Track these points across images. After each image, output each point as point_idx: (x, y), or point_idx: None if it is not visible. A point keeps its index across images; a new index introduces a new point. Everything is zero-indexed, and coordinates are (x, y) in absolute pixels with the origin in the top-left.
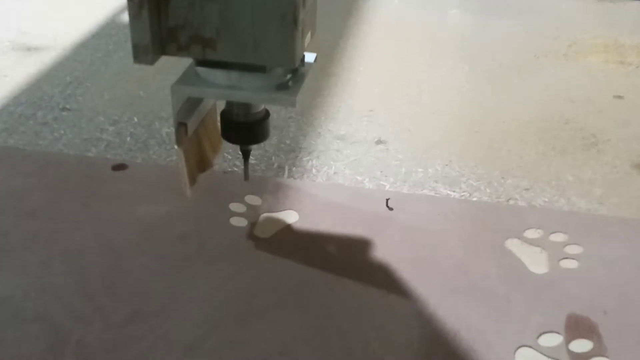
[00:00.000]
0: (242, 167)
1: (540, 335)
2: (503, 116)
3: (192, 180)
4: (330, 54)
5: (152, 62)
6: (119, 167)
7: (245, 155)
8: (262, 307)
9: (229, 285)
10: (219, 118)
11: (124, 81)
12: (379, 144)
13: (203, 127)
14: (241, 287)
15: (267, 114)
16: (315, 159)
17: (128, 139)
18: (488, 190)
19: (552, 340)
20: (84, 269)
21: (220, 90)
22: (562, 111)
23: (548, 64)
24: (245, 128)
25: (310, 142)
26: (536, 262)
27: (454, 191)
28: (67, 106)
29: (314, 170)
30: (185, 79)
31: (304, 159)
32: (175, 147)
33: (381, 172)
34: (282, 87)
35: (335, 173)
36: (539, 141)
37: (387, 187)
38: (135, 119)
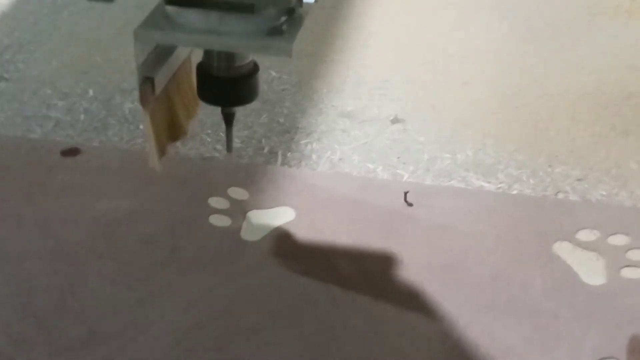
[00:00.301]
0: (225, 151)
1: None
2: (550, 88)
3: (162, 151)
4: (334, 10)
5: None
6: (71, 152)
7: (228, 120)
8: (250, 325)
9: (209, 299)
10: (194, 73)
11: (77, 44)
12: (395, 123)
13: (175, 84)
14: (224, 301)
15: (255, 67)
16: (316, 142)
17: (82, 116)
18: (532, 181)
19: None
20: (26, 279)
21: (196, 36)
22: (624, 82)
23: (607, 23)
24: (228, 85)
25: (309, 121)
26: (591, 270)
27: (488, 182)
28: (5, 75)
29: (314, 156)
30: (152, 21)
31: (302, 142)
32: (141, 108)
33: (398, 158)
34: (275, 31)
35: (340, 159)
36: (595, 120)
37: (405, 177)
38: (91, 92)
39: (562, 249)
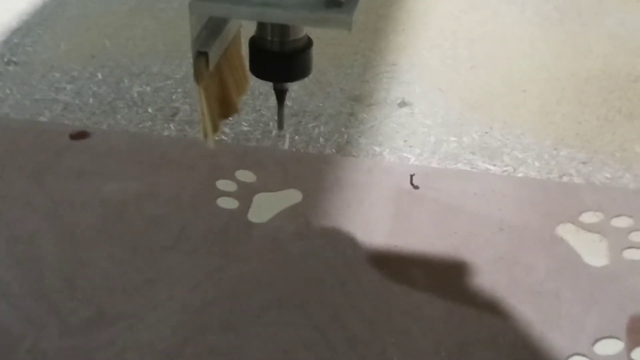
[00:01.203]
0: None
1: (597, 341)
2: (557, 72)
3: (215, 127)
4: None
5: None
6: (79, 135)
7: (281, 96)
8: (256, 307)
9: (216, 280)
10: (245, 48)
11: (86, 27)
12: (402, 106)
13: (226, 59)
14: (231, 282)
15: (309, 42)
16: (324, 125)
17: (90, 100)
18: (537, 164)
19: (611, 347)
20: (36, 260)
21: (252, 9)
22: (630, 66)
23: (615, 6)
24: (281, 60)
25: (316, 104)
26: (594, 252)
27: (494, 165)
28: (14, 59)
29: (321, 139)
30: None
31: (309, 125)
32: (195, 84)
33: (405, 141)
34: (333, 3)
35: (348, 142)
36: (601, 103)
37: (412, 160)
38: (100, 75)
39: (566, 231)
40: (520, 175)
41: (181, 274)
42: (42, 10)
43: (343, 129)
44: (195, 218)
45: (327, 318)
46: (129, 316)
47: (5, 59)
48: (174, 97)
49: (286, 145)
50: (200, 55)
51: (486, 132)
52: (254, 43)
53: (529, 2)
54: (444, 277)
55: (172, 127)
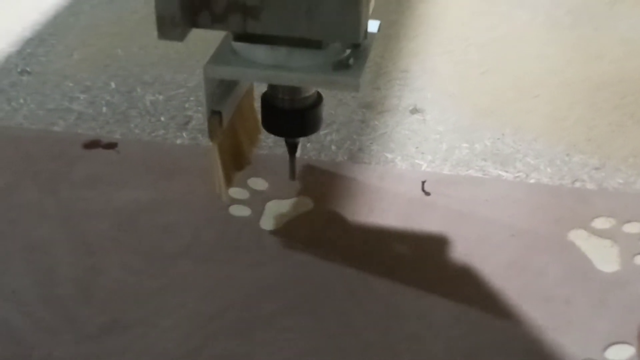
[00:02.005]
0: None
1: (608, 346)
2: (569, 77)
3: (229, 182)
4: None
5: (181, 37)
6: (93, 144)
7: (292, 149)
8: (268, 313)
9: (229, 287)
10: (257, 101)
11: (98, 37)
12: (414, 113)
13: (239, 114)
14: (243, 289)
15: (319, 98)
16: (335, 133)
17: (104, 109)
18: (549, 170)
19: (622, 352)
20: (50, 268)
21: (264, 72)
22: None
23: (627, 11)
24: (294, 116)
25: (328, 112)
26: (605, 258)
27: (506, 171)
28: (27, 69)
29: (333, 147)
30: (220, 57)
31: (321, 132)
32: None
33: (417, 148)
34: (341, 65)
35: (359, 150)
36: (613, 108)
37: (423, 167)
38: (113, 85)
39: (578, 237)
40: (532, 181)
41: (193, 281)
42: (54, 20)
43: (355, 136)
44: (208, 226)
45: (338, 325)
46: (142, 323)
47: (19, 69)
48: (186, 105)
49: (298, 153)
50: (215, 114)
51: (498, 139)
52: (266, 100)
53: (540, 7)
54: (456, 283)
55: (185, 136)
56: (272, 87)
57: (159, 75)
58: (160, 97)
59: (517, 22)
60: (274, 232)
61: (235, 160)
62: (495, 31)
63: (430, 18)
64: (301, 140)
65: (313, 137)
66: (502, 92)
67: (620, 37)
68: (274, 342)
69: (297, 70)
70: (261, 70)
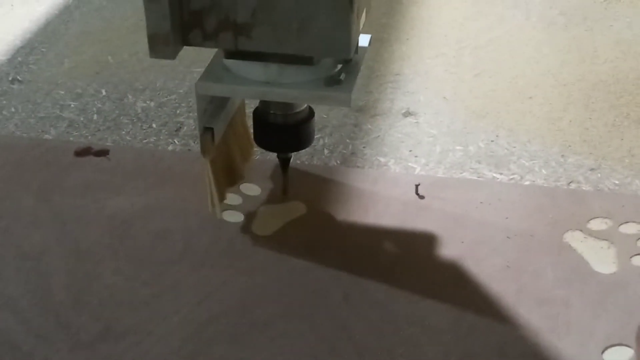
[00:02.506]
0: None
1: (607, 349)
2: (564, 77)
3: (222, 197)
4: None
5: (173, 55)
6: (84, 151)
7: (285, 164)
8: (263, 319)
9: (223, 293)
10: (247, 117)
11: (88, 44)
12: (407, 116)
13: (231, 129)
14: (237, 295)
15: (311, 112)
16: (328, 137)
17: (95, 116)
18: (544, 171)
19: (620, 354)
20: (44, 276)
21: (256, 88)
22: (638, 71)
23: (621, 10)
24: (285, 132)
25: (320, 116)
26: (602, 259)
27: (501, 174)
28: (18, 77)
29: (325, 151)
30: (212, 74)
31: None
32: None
33: (410, 151)
34: (333, 81)
35: (352, 154)
36: (608, 109)
37: (417, 170)
38: (104, 92)
39: (574, 238)
40: (527, 183)
41: (188, 288)
42: (45, 28)
43: (348, 140)
44: (201, 232)
45: (334, 329)
46: (137, 330)
47: (10, 78)
48: (177, 111)
49: (290, 158)
50: (207, 131)
51: (492, 141)
52: (257, 115)
53: (534, 8)
54: (451, 287)
55: (177, 142)
56: (263, 103)
57: (150, 82)
58: (152, 104)
59: (510, 23)
60: (267, 238)
61: (228, 176)
62: (488, 33)
63: (422, 21)
64: None
65: None
66: (495, 94)
67: (614, 37)
68: (270, 347)
69: (288, 87)
70: (253, 87)
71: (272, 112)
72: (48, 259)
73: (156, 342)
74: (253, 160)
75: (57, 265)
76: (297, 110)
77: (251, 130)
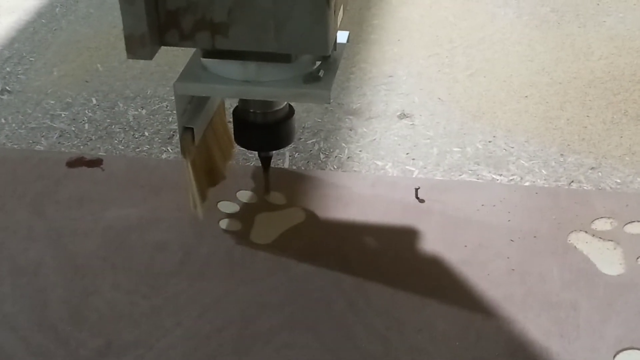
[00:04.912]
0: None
1: (618, 353)
2: (558, 75)
3: (203, 197)
4: None
5: (150, 55)
6: (77, 162)
7: (266, 163)
8: (265, 330)
9: (224, 304)
10: (227, 116)
11: (77, 52)
12: (402, 118)
13: (211, 129)
14: (238, 306)
15: (291, 110)
16: (323, 141)
17: (86, 126)
18: (544, 171)
19: (633, 358)
20: (41, 291)
21: (234, 87)
22: (634, 66)
23: (614, 5)
24: (265, 130)
25: (315, 120)
26: (609, 260)
27: (500, 175)
28: (7, 88)
29: (321, 156)
30: (190, 74)
31: (309, 141)
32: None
33: (407, 154)
34: (312, 78)
35: (349, 158)
36: (606, 106)
37: (415, 173)
38: (94, 101)
39: (579, 240)
40: (527, 184)
41: (188, 300)
42: (32, 37)
43: (343, 144)
44: (199, 242)
45: (339, 339)
46: (138, 345)
47: None
48: (170, 119)
49: (286, 164)
50: (187, 131)
51: (490, 141)
52: (237, 114)
53: (525, 5)
54: (457, 292)
55: (170, 150)
56: (243, 102)
57: (141, 89)
58: (143, 112)
59: (501, 21)
60: (267, 246)
61: (210, 176)
62: (481, 32)
63: (413, 21)
64: (289, 150)
65: (301, 146)
66: (491, 93)
67: (608, 33)
68: (275, 359)
69: (267, 85)
70: (232, 86)
71: (251, 110)
72: (44, 274)
73: (158, 357)
74: (251, 167)
75: (54, 280)
76: (277, 108)
77: (231, 130)
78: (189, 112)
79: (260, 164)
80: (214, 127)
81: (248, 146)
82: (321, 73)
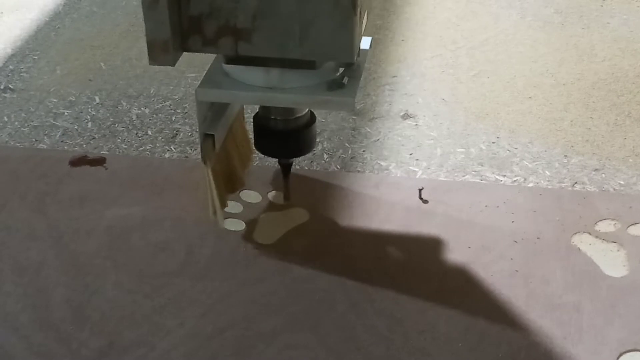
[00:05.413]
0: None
1: (622, 355)
2: (562, 77)
3: (223, 204)
4: None
5: (172, 62)
6: (80, 161)
7: (286, 170)
8: (268, 331)
9: (227, 305)
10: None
11: (80, 51)
12: (406, 118)
13: (231, 136)
14: (242, 306)
15: (312, 117)
16: (327, 142)
17: (89, 124)
18: (547, 173)
19: None
20: (43, 291)
21: (257, 94)
22: (638, 68)
23: (617, 7)
24: (286, 138)
25: (318, 120)
26: (612, 262)
27: (504, 176)
28: (10, 86)
29: (325, 156)
30: (212, 80)
31: None
32: (204, 165)
33: (411, 154)
34: (335, 85)
35: (352, 158)
36: (610, 107)
37: (419, 174)
38: (97, 99)
39: (582, 241)
40: (531, 185)
41: (190, 300)
42: (36, 36)
43: (347, 144)
44: (202, 242)
45: (341, 340)
46: (140, 345)
47: (2, 86)
48: (173, 118)
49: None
50: (208, 137)
51: (493, 142)
52: (258, 121)
53: (529, 7)
54: (459, 294)
55: (173, 149)
56: (264, 108)
57: (144, 88)
58: (147, 111)
59: (505, 22)
60: (270, 246)
61: (229, 182)
62: (484, 33)
63: (417, 22)
64: None
65: None
66: (494, 94)
67: (611, 35)
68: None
69: (290, 91)
70: (254, 92)
71: (272, 117)
72: (46, 273)
73: (160, 357)
74: (251, 166)
75: (56, 279)
76: (298, 115)
77: (251, 136)
78: (209, 119)
79: (280, 170)
80: (233, 133)
81: (268, 153)
82: (345, 80)
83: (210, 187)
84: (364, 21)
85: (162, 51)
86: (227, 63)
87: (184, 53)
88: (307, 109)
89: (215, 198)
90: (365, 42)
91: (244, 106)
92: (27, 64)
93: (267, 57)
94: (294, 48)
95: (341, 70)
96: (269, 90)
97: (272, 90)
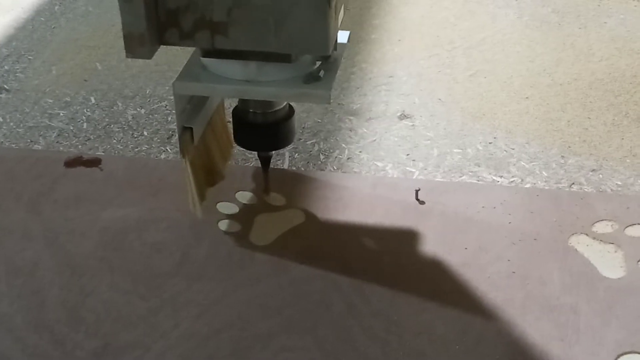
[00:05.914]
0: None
1: (619, 356)
2: (559, 77)
3: (202, 197)
4: None
5: (149, 55)
6: (75, 161)
7: (265, 163)
8: (264, 332)
9: (223, 306)
10: (225, 115)
11: (76, 51)
12: (402, 119)
13: (210, 129)
14: (237, 308)
15: (290, 110)
16: (323, 142)
17: (84, 125)
18: (545, 173)
19: None
20: (38, 292)
21: (234, 87)
22: (635, 67)
23: (615, 7)
24: (265, 131)
25: (315, 120)
26: (610, 263)
27: (501, 176)
28: (6, 86)
29: (321, 156)
30: (190, 73)
31: (308, 142)
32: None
33: (407, 155)
34: (312, 78)
35: (349, 159)
36: (607, 108)
37: (416, 175)
38: (93, 100)
39: (579, 242)
40: (528, 185)
41: (186, 301)
42: (31, 36)
43: (343, 145)
44: (198, 243)
45: (338, 342)
46: (135, 347)
47: None
48: (169, 118)
49: (286, 165)
50: (186, 130)
51: (490, 143)
52: (237, 114)
53: (526, 6)
54: (456, 295)
55: (169, 150)
56: (243, 102)
57: (140, 88)
58: (142, 111)
59: (502, 22)
60: (266, 247)
61: (209, 176)
62: (481, 32)
63: (413, 21)
64: (289, 151)
65: (301, 146)
66: (491, 94)
67: (609, 35)
68: None
69: (267, 84)
70: (232, 85)
71: (251, 110)
72: (41, 274)
73: (155, 359)
74: (248, 167)
75: (51, 280)
76: (277, 108)
77: (230, 130)
78: (188, 112)
79: (260, 165)
80: (213, 127)
81: (247, 146)
82: (321, 73)
83: (189, 181)
84: (341, 15)
85: (139, 44)
86: (204, 56)
87: (181, 55)
88: (285, 102)
89: (194, 191)
90: (342, 36)
91: (224, 100)
92: (22, 64)
93: (244, 50)
94: (270, 41)
95: (318, 63)
96: (246, 84)
97: (249, 83)
